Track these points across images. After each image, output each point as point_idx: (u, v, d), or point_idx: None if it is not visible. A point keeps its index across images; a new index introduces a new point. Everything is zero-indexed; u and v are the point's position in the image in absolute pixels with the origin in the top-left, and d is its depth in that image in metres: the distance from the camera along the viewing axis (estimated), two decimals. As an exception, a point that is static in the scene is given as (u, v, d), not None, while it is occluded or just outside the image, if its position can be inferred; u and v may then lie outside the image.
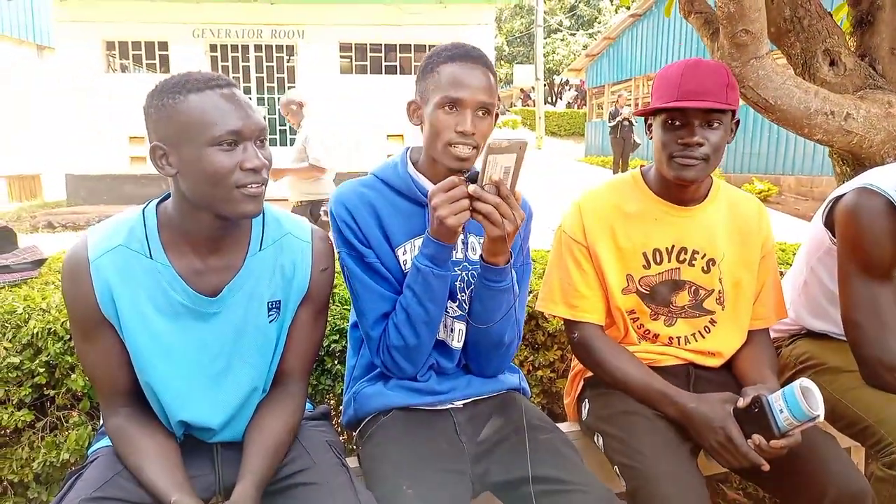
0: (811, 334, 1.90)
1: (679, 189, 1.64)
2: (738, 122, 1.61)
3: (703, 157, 1.52)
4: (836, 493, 1.35)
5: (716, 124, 1.52)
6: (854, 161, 2.27)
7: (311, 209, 4.87)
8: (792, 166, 12.15)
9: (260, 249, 1.33)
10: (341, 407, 1.68)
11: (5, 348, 1.71)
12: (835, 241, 1.67)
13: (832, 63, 2.22)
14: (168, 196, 1.29)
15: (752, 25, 1.90)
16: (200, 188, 1.17)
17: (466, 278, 1.53)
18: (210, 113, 1.14)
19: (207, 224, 1.23)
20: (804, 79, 2.20)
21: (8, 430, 1.80)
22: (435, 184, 1.35)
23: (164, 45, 11.73)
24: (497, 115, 1.48)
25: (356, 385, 1.59)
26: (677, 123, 1.53)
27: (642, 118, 1.68)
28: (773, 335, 1.93)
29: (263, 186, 1.21)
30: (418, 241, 1.46)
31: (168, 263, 1.25)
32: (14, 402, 1.73)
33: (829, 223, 1.70)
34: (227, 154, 1.15)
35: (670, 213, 1.66)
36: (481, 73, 1.38)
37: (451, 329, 1.54)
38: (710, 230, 1.67)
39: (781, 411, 1.33)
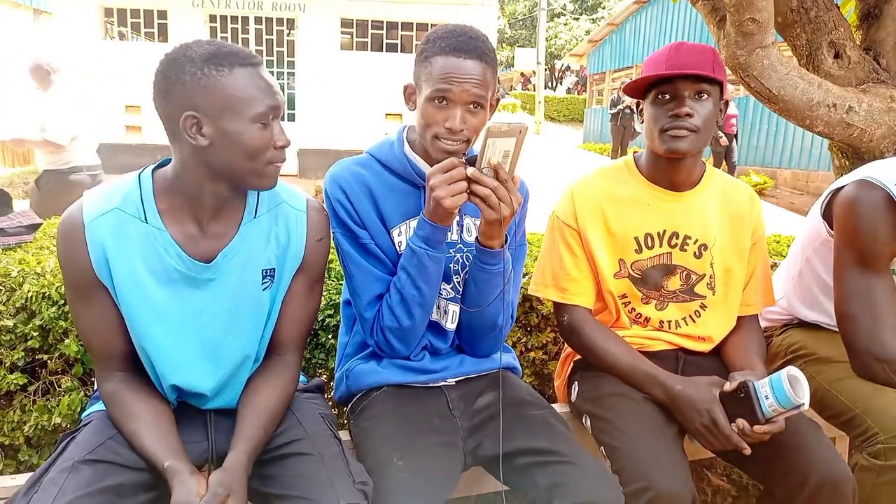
0: (803, 324, 1.91)
1: (672, 172, 1.65)
2: (727, 103, 1.63)
3: (694, 129, 1.53)
4: (818, 479, 1.37)
5: (705, 96, 1.54)
6: (853, 154, 2.27)
7: (49, 178, 4.38)
8: (789, 160, 12.16)
9: (255, 217, 1.33)
10: (333, 383, 1.69)
11: (-1, 311, 1.71)
12: (832, 232, 1.68)
13: (837, 55, 2.22)
14: (164, 163, 1.28)
15: (759, 14, 1.89)
16: (235, 161, 1.20)
17: (461, 260, 1.53)
18: (254, 89, 1.18)
19: (218, 193, 1.25)
20: (808, 70, 2.20)
21: (0, 393, 1.80)
22: (431, 165, 1.35)
23: (163, 14, 11.60)
24: (498, 100, 1.47)
25: (349, 362, 1.60)
26: (667, 97, 1.55)
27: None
28: (764, 324, 1.96)
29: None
30: (413, 223, 1.45)
31: (163, 228, 1.25)
32: (6, 365, 1.73)
33: (827, 215, 1.71)
34: (263, 131, 1.20)
35: (662, 198, 1.67)
36: (475, 65, 1.34)
37: (445, 311, 1.55)
38: (702, 215, 1.68)
39: (767, 398, 1.35)
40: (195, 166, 1.22)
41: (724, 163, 11.06)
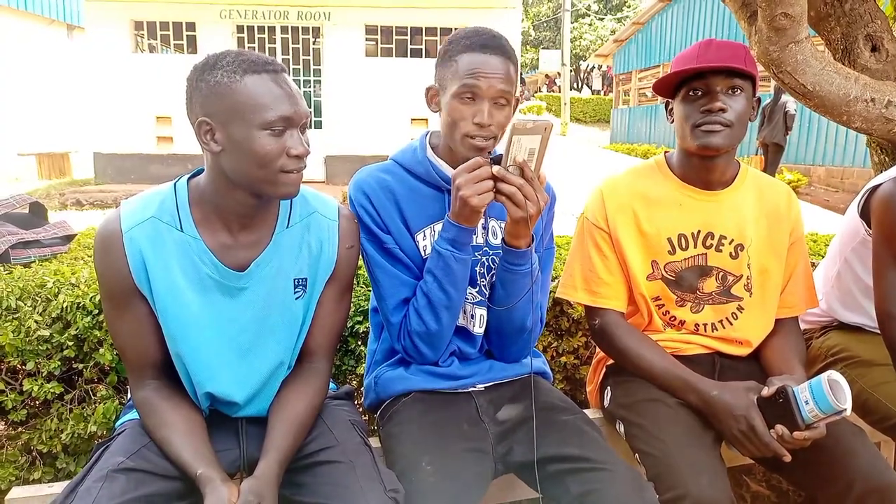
0: (843, 326, 1.86)
1: (704, 170, 1.61)
2: (759, 101, 1.59)
3: (728, 124, 1.50)
4: (864, 486, 1.33)
5: (738, 91, 1.51)
6: (893, 150, 2.21)
7: None
8: (823, 156, 11.88)
9: (287, 226, 1.34)
10: (363, 389, 1.69)
11: (35, 321, 1.74)
12: (870, 231, 1.63)
13: (874, 49, 2.15)
14: (199, 172, 1.30)
15: (791, 8, 1.85)
16: (245, 168, 1.19)
17: (487, 263, 1.52)
18: (264, 97, 1.17)
19: (242, 201, 1.25)
20: (844, 65, 2.14)
21: (37, 402, 1.83)
22: (454, 168, 1.35)
23: (191, 26, 11.80)
24: (518, 101, 1.46)
25: (377, 369, 1.60)
26: (699, 93, 1.52)
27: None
28: (804, 327, 1.90)
29: (303, 171, 1.24)
30: (438, 227, 1.45)
31: (198, 237, 1.26)
32: (43, 375, 1.77)
33: (864, 213, 1.66)
34: (275, 139, 1.18)
35: (696, 198, 1.64)
36: (500, 61, 1.35)
37: (472, 315, 1.54)
38: (737, 215, 1.64)
39: (807, 403, 1.31)
40: (216, 174, 1.24)
41: (765, 164, 10.43)
